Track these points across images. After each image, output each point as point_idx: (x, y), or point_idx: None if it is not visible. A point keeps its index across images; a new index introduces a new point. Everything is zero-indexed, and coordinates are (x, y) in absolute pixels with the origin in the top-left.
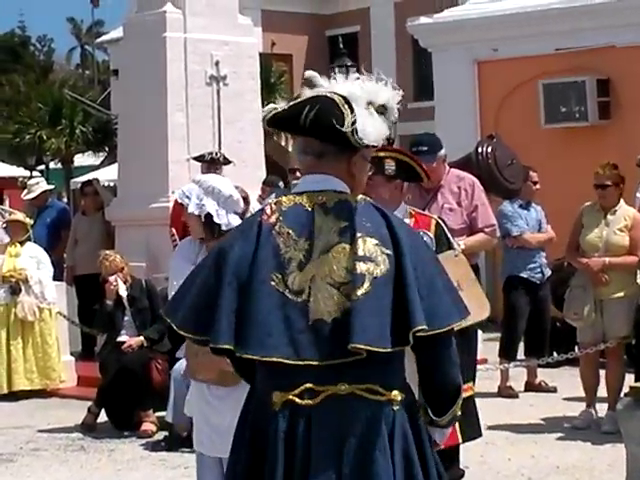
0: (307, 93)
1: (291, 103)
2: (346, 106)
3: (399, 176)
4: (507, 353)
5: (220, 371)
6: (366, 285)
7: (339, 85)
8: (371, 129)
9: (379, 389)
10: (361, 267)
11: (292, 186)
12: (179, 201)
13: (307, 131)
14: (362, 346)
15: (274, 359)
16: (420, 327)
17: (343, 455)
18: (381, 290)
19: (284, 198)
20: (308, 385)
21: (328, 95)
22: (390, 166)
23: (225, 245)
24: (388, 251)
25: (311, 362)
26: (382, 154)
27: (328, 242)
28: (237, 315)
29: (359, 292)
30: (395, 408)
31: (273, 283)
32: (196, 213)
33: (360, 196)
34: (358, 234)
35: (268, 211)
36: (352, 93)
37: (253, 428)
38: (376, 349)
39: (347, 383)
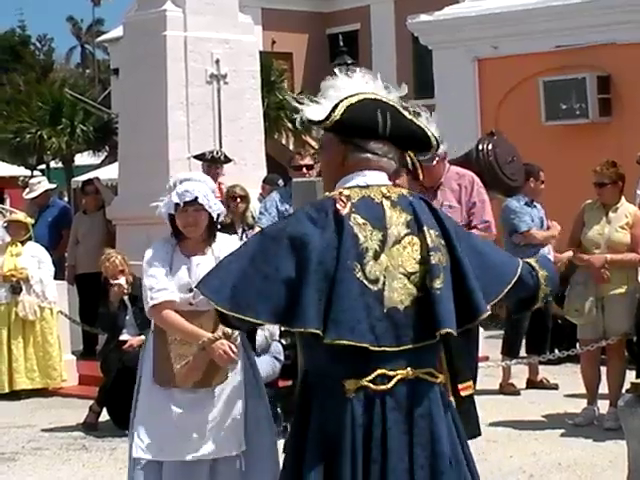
0: (339, 92)
1: (345, 106)
2: (406, 113)
3: (409, 172)
4: (511, 350)
5: (205, 373)
6: (442, 275)
7: (363, 85)
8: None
9: (434, 372)
10: (434, 258)
11: (294, 183)
12: (200, 200)
13: (385, 138)
14: (451, 331)
15: (364, 345)
16: (485, 315)
17: (414, 436)
18: (448, 279)
19: (349, 191)
20: (381, 371)
21: (383, 100)
22: (409, 161)
23: (298, 234)
24: (443, 242)
25: (388, 348)
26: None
27: (399, 233)
28: (324, 302)
29: (438, 281)
30: (442, 389)
31: (355, 272)
32: (210, 211)
33: (408, 190)
34: (424, 226)
35: (340, 202)
36: (390, 98)
37: (321, 416)
38: (454, 334)
39: (413, 368)
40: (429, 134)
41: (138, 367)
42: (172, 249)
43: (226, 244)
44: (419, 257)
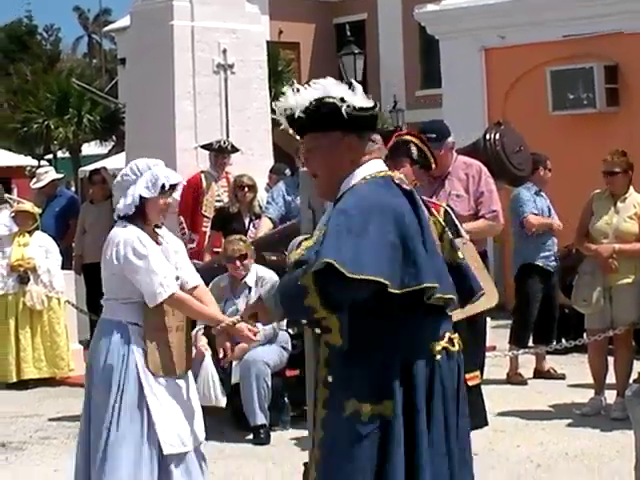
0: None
1: (360, 105)
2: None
3: (418, 162)
4: (519, 340)
5: (188, 359)
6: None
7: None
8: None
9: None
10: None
11: (301, 172)
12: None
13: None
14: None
15: (454, 301)
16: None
17: (459, 391)
18: None
19: (393, 173)
20: (448, 334)
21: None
22: (414, 150)
23: (394, 204)
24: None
25: (451, 312)
26: (407, 138)
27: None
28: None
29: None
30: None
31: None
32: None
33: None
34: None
35: (403, 182)
36: None
37: (407, 379)
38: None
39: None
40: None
41: (114, 360)
42: (146, 236)
43: (166, 232)
44: (438, 234)
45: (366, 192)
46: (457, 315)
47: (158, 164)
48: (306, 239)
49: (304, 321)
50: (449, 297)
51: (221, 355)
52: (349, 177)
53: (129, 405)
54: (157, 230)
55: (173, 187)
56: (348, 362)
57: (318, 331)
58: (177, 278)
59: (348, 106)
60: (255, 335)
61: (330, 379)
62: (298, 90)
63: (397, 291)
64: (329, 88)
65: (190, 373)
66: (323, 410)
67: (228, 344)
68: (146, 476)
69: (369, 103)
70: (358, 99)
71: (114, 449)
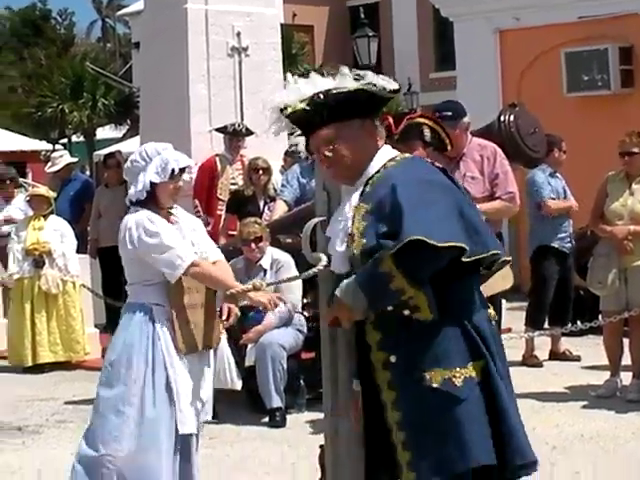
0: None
1: (392, 87)
2: None
3: (432, 144)
4: (535, 322)
5: (212, 336)
6: None
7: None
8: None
9: None
10: None
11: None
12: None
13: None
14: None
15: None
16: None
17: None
18: None
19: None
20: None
21: None
22: (427, 133)
23: (447, 182)
24: None
25: None
26: (420, 120)
27: None
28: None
29: None
30: None
31: None
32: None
33: None
34: None
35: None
36: None
37: (483, 339)
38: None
39: None
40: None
41: (137, 342)
42: (157, 216)
43: (181, 212)
44: None
45: (412, 170)
46: None
47: (167, 148)
48: (322, 222)
49: (390, 307)
50: (509, 259)
51: (224, 317)
52: (371, 161)
53: (159, 384)
54: (172, 211)
55: (183, 170)
56: (422, 334)
57: (407, 312)
58: (195, 253)
59: (384, 89)
60: (267, 307)
61: (393, 359)
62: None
63: (468, 259)
64: (315, 82)
65: (211, 352)
66: (391, 392)
67: (232, 306)
68: (171, 455)
69: (396, 85)
70: (387, 82)
71: (153, 426)
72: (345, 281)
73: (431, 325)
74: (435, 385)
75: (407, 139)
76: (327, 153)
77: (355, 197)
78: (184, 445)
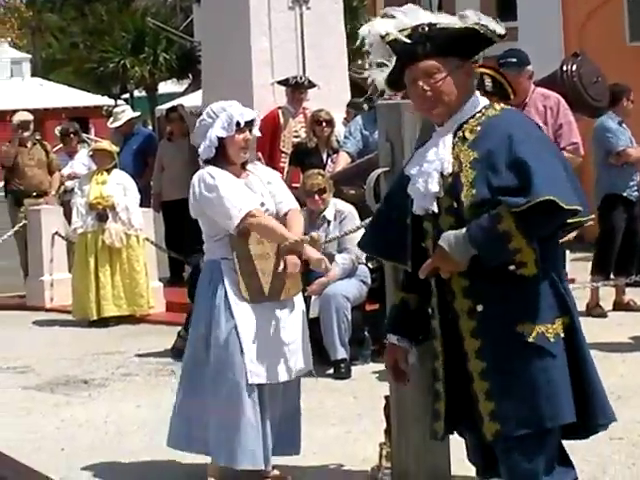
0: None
1: (500, 32)
2: None
3: (494, 93)
4: (602, 271)
5: (297, 280)
6: None
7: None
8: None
9: None
10: None
11: (378, 105)
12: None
13: None
14: None
15: None
16: None
17: None
18: None
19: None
20: None
21: None
22: (489, 82)
23: (550, 140)
24: None
25: None
26: (481, 70)
27: None
28: None
29: None
30: None
31: None
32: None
33: None
34: None
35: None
36: None
37: (568, 295)
38: None
39: None
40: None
41: (206, 297)
42: (220, 171)
43: (259, 166)
44: None
45: (524, 122)
46: None
47: (233, 105)
48: (385, 173)
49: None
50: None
51: (280, 268)
52: (464, 104)
53: (224, 335)
54: (248, 167)
55: (250, 123)
56: (517, 287)
57: (512, 268)
58: (262, 204)
59: (493, 31)
60: (322, 262)
61: (480, 308)
62: (392, 16)
63: (572, 220)
64: (417, 14)
65: (298, 300)
66: (475, 341)
67: (296, 260)
68: (246, 405)
69: (503, 29)
70: (495, 25)
71: (210, 379)
72: (452, 233)
73: (526, 278)
74: (530, 339)
75: None
76: (425, 86)
77: (449, 139)
78: (261, 394)
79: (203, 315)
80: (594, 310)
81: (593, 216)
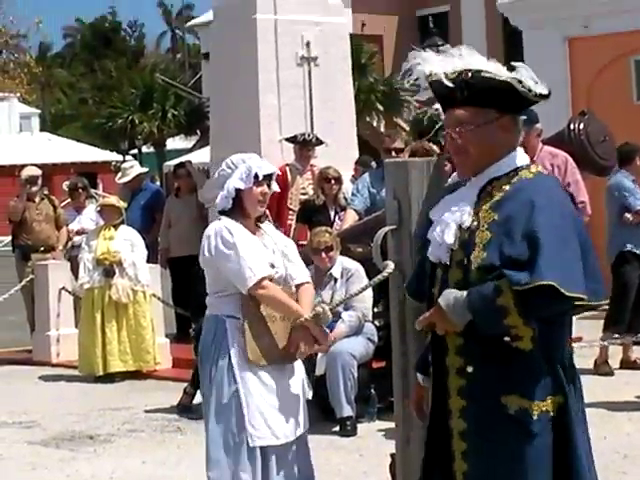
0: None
1: (539, 92)
2: None
3: None
4: (616, 325)
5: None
6: None
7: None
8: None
9: None
10: None
11: (386, 163)
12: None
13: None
14: None
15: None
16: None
17: None
18: None
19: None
20: None
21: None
22: None
23: (573, 211)
24: None
25: None
26: None
27: None
28: None
29: None
30: None
31: None
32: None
33: None
34: None
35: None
36: None
37: (566, 375)
38: None
39: None
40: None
41: (209, 354)
42: (242, 227)
43: (272, 228)
44: None
45: (553, 193)
46: None
47: (252, 157)
48: (392, 231)
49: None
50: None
51: (297, 349)
52: (501, 162)
53: (226, 396)
54: (261, 225)
55: (269, 177)
56: (509, 356)
57: (507, 339)
58: (272, 266)
59: (529, 90)
60: (324, 341)
61: (470, 369)
62: (438, 51)
63: (579, 304)
64: (470, 59)
65: (296, 364)
66: (461, 400)
67: (302, 344)
68: (246, 470)
69: (545, 90)
70: (535, 84)
71: (212, 442)
72: (453, 293)
73: (521, 351)
74: (511, 412)
75: None
76: (454, 135)
77: (474, 192)
78: (264, 456)
79: (207, 375)
80: (602, 368)
81: (606, 301)
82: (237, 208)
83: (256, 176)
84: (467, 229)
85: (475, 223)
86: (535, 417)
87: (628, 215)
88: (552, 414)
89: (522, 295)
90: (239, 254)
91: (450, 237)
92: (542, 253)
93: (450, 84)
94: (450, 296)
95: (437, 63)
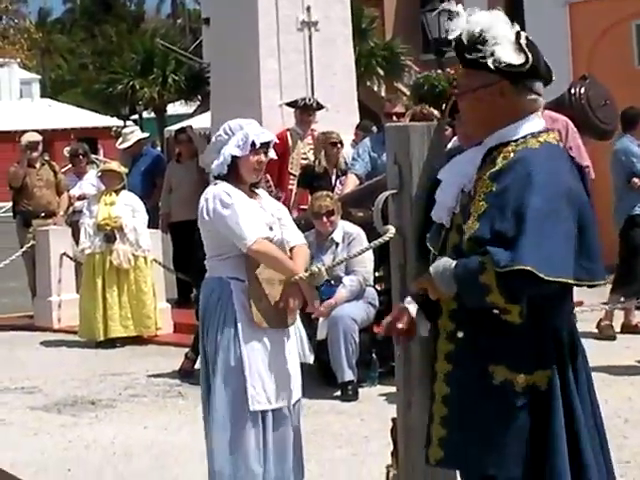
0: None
1: (508, 61)
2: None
3: None
4: (626, 292)
5: (283, 313)
6: None
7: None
8: None
9: None
10: None
11: (387, 128)
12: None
13: (540, 76)
14: None
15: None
16: None
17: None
18: None
19: (559, 138)
20: None
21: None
22: None
23: (572, 186)
24: None
25: None
26: None
27: None
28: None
29: None
30: None
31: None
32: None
33: None
34: None
35: (571, 153)
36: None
37: (559, 349)
38: None
39: None
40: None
41: (214, 316)
42: (236, 190)
43: (263, 193)
44: None
45: (554, 167)
46: None
47: (251, 123)
48: (393, 195)
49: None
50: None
51: (282, 305)
52: (508, 128)
53: (230, 359)
54: (255, 190)
55: (266, 145)
56: (500, 327)
57: (497, 312)
58: (271, 228)
59: (495, 60)
60: (315, 307)
61: (460, 334)
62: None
63: (570, 283)
64: (493, 24)
65: (292, 329)
66: (447, 364)
67: (296, 300)
68: (249, 430)
69: (520, 59)
70: (507, 53)
71: (214, 401)
72: (443, 262)
73: (511, 324)
74: (495, 382)
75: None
76: (454, 96)
77: (479, 157)
78: (263, 420)
79: (212, 336)
80: (605, 330)
81: (603, 282)
82: (233, 174)
83: (253, 144)
84: (468, 194)
85: (473, 191)
86: (519, 390)
87: (636, 180)
88: (541, 388)
89: (502, 276)
90: (237, 214)
91: (451, 199)
92: (526, 233)
93: (455, 41)
94: (440, 264)
95: (464, 19)
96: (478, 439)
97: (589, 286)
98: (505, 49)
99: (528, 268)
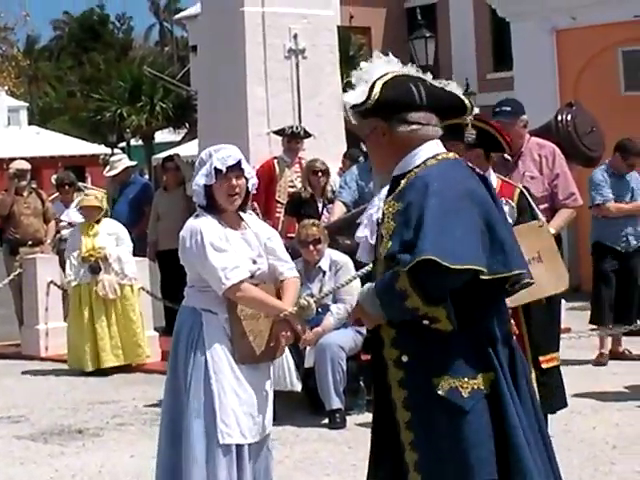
0: (371, 76)
1: (381, 84)
2: (436, 83)
3: (480, 145)
4: (596, 319)
5: (270, 347)
6: None
7: (391, 66)
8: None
9: None
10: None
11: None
12: (242, 165)
13: (423, 107)
14: None
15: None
16: None
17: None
18: None
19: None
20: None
21: (413, 74)
22: (470, 134)
23: (475, 189)
24: None
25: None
26: (465, 121)
27: None
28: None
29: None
30: None
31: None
32: (249, 177)
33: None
34: None
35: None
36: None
37: (496, 352)
38: None
39: None
40: (462, 98)
41: (184, 347)
42: (219, 224)
43: (253, 219)
44: None
45: (449, 175)
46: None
47: (220, 149)
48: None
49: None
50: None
51: (278, 343)
52: (404, 160)
53: (199, 392)
54: (243, 216)
55: (235, 169)
56: (435, 339)
57: (426, 322)
58: (254, 262)
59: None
60: (303, 337)
61: (405, 359)
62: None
63: (488, 277)
64: (372, 72)
65: (269, 363)
66: (402, 390)
67: (287, 333)
68: (222, 466)
69: (360, 98)
70: (351, 95)
71: (188, 437)
72: (366, 286)
73: (443, 332)
74: (441, 393)
75: (448, 139)
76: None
77: (384, 190)
78: (239, 455)
79: (182, 368)
80: (599, 358)
81: (517, 272)
82: (211, 203)
83: (218, 171)
84: (378, 224)
85: (382, 216)
86: (466, 395)
87: (593, 208)
88: (485, 391)
89: (414, 275)
90: (211, 260)
91: (362, 231)
92: (425, 232)
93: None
94: (364, 289)
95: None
96: (448, 453)
97: (509, 278)
98: (353, 93)
99: (430, 257)
